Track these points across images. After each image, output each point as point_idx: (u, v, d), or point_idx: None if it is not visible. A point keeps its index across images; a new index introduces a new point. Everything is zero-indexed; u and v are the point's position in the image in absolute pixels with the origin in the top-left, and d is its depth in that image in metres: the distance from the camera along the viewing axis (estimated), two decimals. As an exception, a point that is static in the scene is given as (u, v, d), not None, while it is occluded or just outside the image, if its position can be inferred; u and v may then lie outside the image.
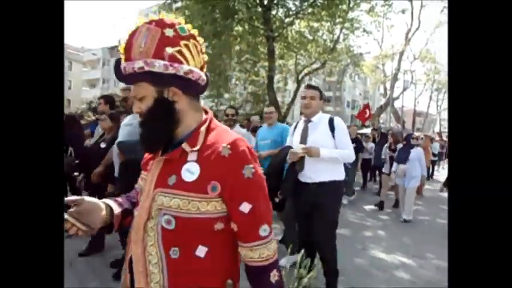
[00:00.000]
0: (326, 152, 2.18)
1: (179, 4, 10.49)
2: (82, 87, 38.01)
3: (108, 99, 3.62)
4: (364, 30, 12.87)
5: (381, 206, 5.60)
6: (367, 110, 12.49)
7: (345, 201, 5.48)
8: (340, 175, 2.31)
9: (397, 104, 23.80)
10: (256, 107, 13.96)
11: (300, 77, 13.87)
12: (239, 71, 13.57)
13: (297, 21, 11.68)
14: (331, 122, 2.28)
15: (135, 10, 39.71)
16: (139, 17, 0.93)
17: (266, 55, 11.58)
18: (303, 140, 2.31)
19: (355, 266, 3.06)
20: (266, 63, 12.04)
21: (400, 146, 5.40)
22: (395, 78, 21.82)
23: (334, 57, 13.17)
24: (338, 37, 12.54)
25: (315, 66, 14.04)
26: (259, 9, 10.20)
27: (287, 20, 11.33)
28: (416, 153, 4.94)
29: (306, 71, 14.08)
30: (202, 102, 1.50)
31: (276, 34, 10.92)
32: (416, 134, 6.70)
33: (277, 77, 13.47)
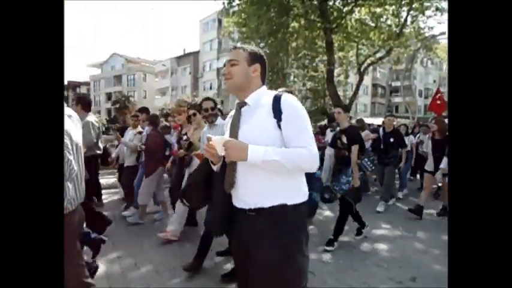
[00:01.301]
0: (259, 153, 1.20)
1: (236, 8, 10.80)
2: (155, 96, 42.14)
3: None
4: (437, 9, 11.45)
5: (418, 212, 4.35)
6: (440, 97, 10.15)
7: (380, 208, 4.81)
8: (296, 194, 1.30)
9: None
10: (316, 103, 13.59)
11: (362, 68, 13.06)
12: (297, 68, 13.37)
13: (356, 9, 10.97)
14: (276, 103, 1.27)
15: (196, 20, 42.33)
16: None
17: (324, 49, 11.18)
18: (233, 135, 1.34)
19: (432, 273, 2.72)
20: (324, 57, 11.62)
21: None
22: (478, 60, 18.92)
23: (402, 43, 12.00)
24: (405, 20, 11.41)
25: (378, 55, 13.04)
26: (315, 1, 9.86)
27: (345, 9, 10.73)
28: None
29: (368, 61, 13.18)
30: None
31: (334, 25, 10.43)
32: None
33: (337, 70, 12.90)
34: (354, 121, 9.41)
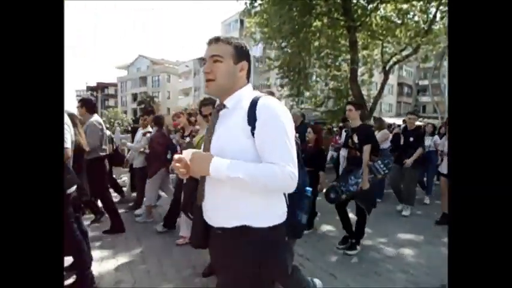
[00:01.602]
0: (222, 167, 1.03)
1: (258, 8, 10.82)
2: (178, 96, 43.15)
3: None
4: (469, 3, 10.85)
5: (444, 221, 4.02)
6: None
7: (406, 212, 4.57)
8: (268, 216, 1.11)
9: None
10: (339, 103, 13.34)
11: (387, 66, 12.65)
12: (319, 67, 13.17)
13: (381, 6, 10.65)
14: (252, 107, 1.08)
15: (218, 22, 42.88)
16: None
17: (347, 47, 10.94)
18: (207, 143, 1.19)
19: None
20: (348, 56, 11.37)
21: None
22: None
23: (430, 40, 11.49)
24: (434, 16, 10.93)
25: (405, 53, 12.58)
26: (339, 0, 9.69)
27: (370, 6, 10.44)
28: None
29: (394, 59, 12.74)
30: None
31: (358, 23, 10.19)
32: None
33: (361, 69, 12.59)
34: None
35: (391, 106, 34.32)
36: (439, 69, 17.14)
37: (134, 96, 44.74)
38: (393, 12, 11.00)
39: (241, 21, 32.94)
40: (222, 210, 1.12)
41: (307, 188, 1.38)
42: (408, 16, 11.14)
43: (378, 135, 5.54)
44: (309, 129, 3.91)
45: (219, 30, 37.25)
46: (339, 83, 13.32)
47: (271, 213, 1.12)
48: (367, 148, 3.11)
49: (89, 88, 51.63)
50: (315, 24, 10.74)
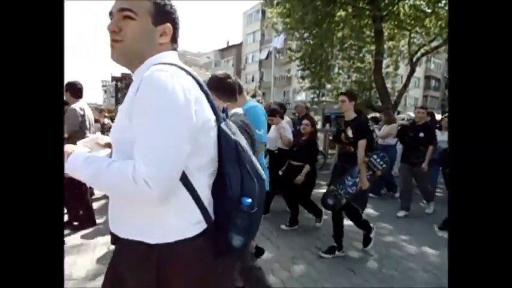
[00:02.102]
0: (77, 163, 0.86)
1: (280, -2, 10.63)
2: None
3: None
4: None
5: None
6: None
7: (429, 209, 4.41)
8: (161, 231, 0.84)
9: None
10: (362, 96, 12.98)
11: (414, 58, 12.12)
12: (342, 59, 12.83)
13: (410, -6, 10.16)
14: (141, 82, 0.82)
15: (240, 12, 42.55)
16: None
17: (372, 38, 10.55)
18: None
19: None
20: (372, 47, 10.98)
21: None
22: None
23: (463, 30, 10.86)
24: (468, 4, 10.30)
25: (434, 44, 11.98)
26: (364, -12, 9.33)
27: (398, -6, 9.98)
28: None
29: (422, 50, 12.19)
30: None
31: (385, 13, 9.78)
32: None
33: (385, 61, 12.14)
34: (403, 115, 8.61)
35: (417, 100, 33.00)
36: (470, 62, 16.16)
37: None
38: (423, 1, 10.46)
39: (263, 12, 32.52)
40: (112, 217, 0.92)
41: (246, 199, 0.89)
42: (439, 5, 10.55)
43: (386, 129, 5.35)
44: (306, 122, 3.68)
45: (241, 21, 37.10)
46: (362, 75, 12.93)
47: (168, 227, 0.83)
48: (362, 143, 2.79)
49: (114, 78, 53.15)
50: (338, 14, 10.43)
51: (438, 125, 5.66)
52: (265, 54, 33.57)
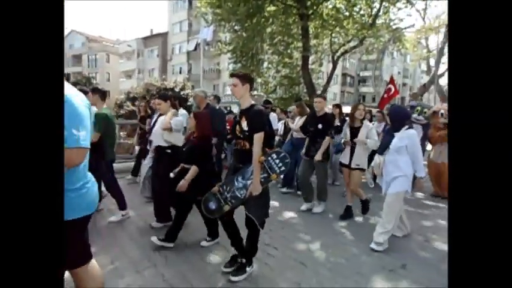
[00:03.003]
0: None
1: (213, -12, 10.23)
2: (119, 79, 39.73)
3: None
4: (407, 1, 11.76)
5: (346, 215, 3.86)
6: (390, 87, 8.78)
7: (317, 209, 4.10)
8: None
9: (441, 82, 21.93)
10: (291, 90, 13.55)
11: (335, 56, 13.17)
12: (271, 54, 13.14)
13: (332, -3, 10.92)
14: None
15: (165, -1, 40.04)
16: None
17: (299, 35, 11.05)
18: None
19: (419, 259, 2.78)
20: (299, 44, 11.51)
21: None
22: (441, 53, 19.97)
23: (374, 34, 12.24)
24: (378, 10, 11.60)
25: (351, 44, 13.20)
26: (293, -15, 9.65)
27: (322, -5, 10.63)
28: (404, 136, 2.94)
29: (342, 49, 13.31)
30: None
31: (311, 12, 10.33)
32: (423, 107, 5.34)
33: (311, 58, 12.88)
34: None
35: (336, 95, 36.31)
36: (381, 62, 18.47)
37: (66, 77, 39.81)
38: (342, 4, 11.37)
39: (190, 1, 31.21)
40: None
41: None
42: (355, 9, 11.61)
43: (299, 122, 4.75)
44: (191, 115, 2.97)
45: (166, 9, 34.92)
46: (291, 70, 13.48)
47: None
48: (258, 137, 2.19)
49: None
50: (269, 9, 10.59)
51: (345, 117, 5.44)
52: (193, 46, 32.38)
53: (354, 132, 3.79)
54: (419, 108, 5.41)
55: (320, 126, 3.95)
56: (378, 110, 6.74)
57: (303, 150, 4.19)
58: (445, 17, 19.90)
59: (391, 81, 8.69)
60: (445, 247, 3.04)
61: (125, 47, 39.71)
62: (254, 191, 2.21)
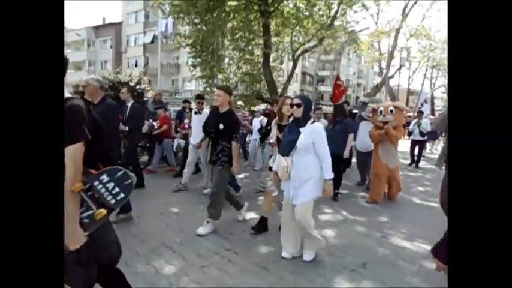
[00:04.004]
0: None
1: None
2: (67, 70, 36.46)
3: None
4: (363, 5, 12.31)
5: (259, 228, 3.26)
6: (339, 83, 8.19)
7: (203, 230, 3.23)
8: None
9: (392, 83, 23.50)
10: (252, 87, 13.47)
11: (295, 55, 13.35)
12: (232, 50, 12.92)
13: (293, -5, 11.01)
14: None
15: (119, -13, 37.47)
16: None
17: (261, 32, 10.99)
18: None
19: (378, 257, 2.82)
20: (261, 41, 11.46)
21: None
22: (391, 56, 21.36)
23: (332, 34, 12.63)
24: (336, 12, 11.96)
25: (311, 43, 13.49)
26: (254, -19, 9.52)
27: (283, -6, 10.66)
28: (311, 132, 2.52)
29: (302, 48, 13.54)
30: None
31: (272, 9, 10.30)
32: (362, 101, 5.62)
33: (272, 55, 12.91)
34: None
35: (296, 93, 37.16)
36: (338, 62, 19.20)
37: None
38: (302, 4, 11.52)
39: (145, -11, 29.62)
40: None
41: None
42: (315, 9, 11.85)
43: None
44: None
45: (119, -3, 32.74)
46: (252, 67, 13.38)
47: None
48: (69, 151, 1.18)
49: None
50: (229, 3, 10.35)
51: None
52: (150, 38, 30.83)
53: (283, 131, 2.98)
54: (370, 104, 5.56)
55: (221, 126, 3.17)
56: (316, 106, 6.09)
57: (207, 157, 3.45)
58: (394, 23, 21.31)
59: (338, 78, 9.02)
60: (402, 243, 3.14)
61: (73, 35, 36.48)
62: (71, 245, 1.23)
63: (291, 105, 2.63)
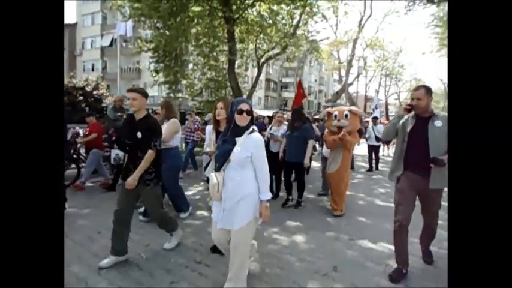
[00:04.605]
0: None
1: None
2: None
3: None
4: (323, 16, 12.88)
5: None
6: (300, 90, 9.02)
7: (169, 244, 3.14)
8: None
9: (350, 90, 24.84)
10: (218, 94, 13.36)
11: (260, 62, 13.54)
12: (197, 55, 12.74)
13: (257, 3, 11.17)
14: None
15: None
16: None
17: (225, 38, 10.99)
18: None
19: (347, 259, 2.89)
20: (225, 48, 11.46)
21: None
22: (350, 64, 22.59)
23: (295, 43, 13.05)
24: (298, 22, 12.38)
25: (275, 51, 13.79)
26: (219, -12, 9.53)
27: (247, 1, 10.79)
28: (248, 143, 2.09)
29: (266, 56, 13.77)
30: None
31: (236, 16, 10.36)
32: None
33: (237, 62, 12.97)
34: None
35: (260, 99, 37.63)
36: (302, 69, 19.83)
37: None
38: (266, 12, 11.75)
39: (103, -9, 28.29)
40: None
41: None
42: (278, 18, 12.16)
43: (166, 126, 3.71)
44: None
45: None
46: (217, 73, 13.30)
47: None
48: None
49: None
50: (193, 9, 10.23)
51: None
52: (108, 41, 29.38)
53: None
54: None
55: (140, 135, 2.63)
56: (277, 111, 5.94)
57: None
58: (352, 34, 22.63)
59: (299, 85, 9.34)
60: (369, 244, 3.25)
61: (20, 36, 33.66)
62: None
63: (240, 112, 2.07)
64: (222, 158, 2.09)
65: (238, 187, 2.05)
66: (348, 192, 5.61)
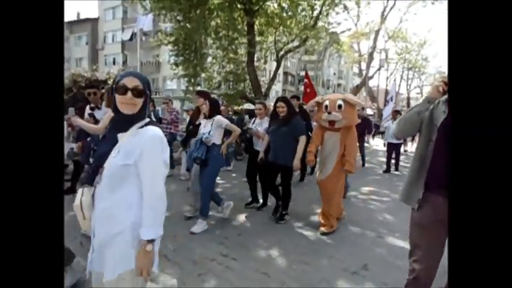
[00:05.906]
0: None
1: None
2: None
3: None
4: (345, 7, 12.51)
5: None
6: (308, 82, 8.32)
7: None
8: None
9: (371, 84, 24.14)
10: (237, 87, 13.33)
11: (279, 55, 13.36)
12: (216, 48, 12.72)
13: (277, -5, 10.99)
14: None
15: (95, -19, 36.10)
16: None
17: (245, 31, 10.89)
18: None
19: (376, 257, 2.80)
20: (244, 40, 11.36)
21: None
22: (371, 57, 21.92)
23: (315, 35, 12.75)
24: (319, 13, 12.07)
25: (295, 43, 13.55)
26: (238, -20, 9.42)
27: (268, -8, 10.62)
28: (136, 143, 1.22)
29: (286, 48, 13.56)
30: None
31: (256, 8, 10.23)
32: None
33: (256, 55, 12.85)
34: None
35: (278, 93, 37.32)
36: (322, 63, 19.44)
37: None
38: (286, 4, 11.54)
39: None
40: None
41: None
42: (299, 9, 11.92)
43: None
44: None
45: (95, -8, 31.51)
46: (236, 66, 13.25)
47: None
48: None
49: None
50: (213, 1, 10.18)
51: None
52: (129, 35, 29.86)
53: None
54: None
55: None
56: (259, 101, 4.72)
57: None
58: (373, 25, 21.90)
59: (306, 76, 8.97)
60: (397, 242, 3.14)
61: (45, 31, 34.84)
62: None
63: (122, 90, 1.21)
64: (94, 166, 1.34)
65: (109, 217, 1.22)
66: (370, 188, 5.50)
